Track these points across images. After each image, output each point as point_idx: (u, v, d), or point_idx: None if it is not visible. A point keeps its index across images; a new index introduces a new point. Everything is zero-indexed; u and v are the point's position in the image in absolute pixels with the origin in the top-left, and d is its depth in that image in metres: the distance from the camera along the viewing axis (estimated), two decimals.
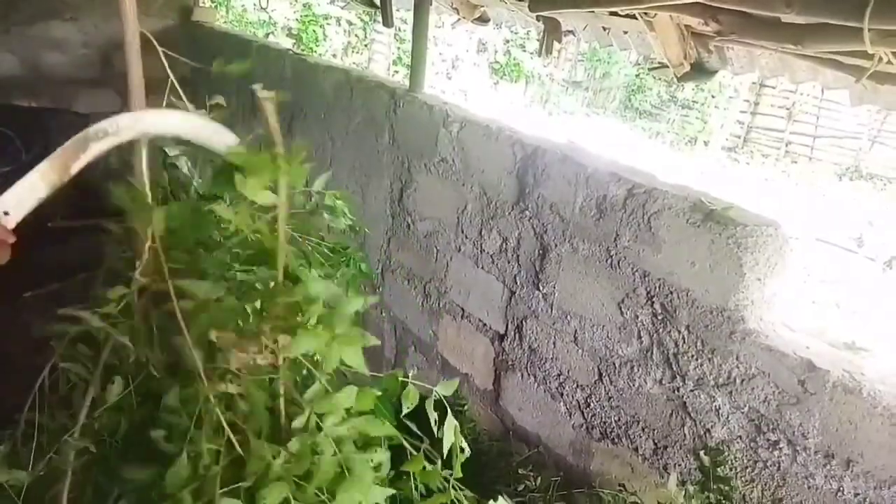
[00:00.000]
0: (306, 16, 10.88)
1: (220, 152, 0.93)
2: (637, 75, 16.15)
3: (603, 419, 2.32)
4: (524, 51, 13.77)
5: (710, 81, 2.65)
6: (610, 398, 2.28)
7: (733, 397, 1.89)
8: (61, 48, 4.48)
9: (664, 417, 2.10)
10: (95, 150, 0.88)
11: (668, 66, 2.46)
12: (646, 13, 2.23)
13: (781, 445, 1.80)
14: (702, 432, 2.00)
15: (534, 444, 2.62)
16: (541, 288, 2.43)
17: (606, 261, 2.18)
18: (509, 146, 2.45)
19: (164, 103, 1.01)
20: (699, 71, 2.47)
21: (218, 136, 0.97)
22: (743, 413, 1.88)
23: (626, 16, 2.43)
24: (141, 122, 0.94)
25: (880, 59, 1.70)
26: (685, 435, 2.06)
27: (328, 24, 11.08)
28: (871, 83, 1.88)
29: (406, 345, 3.26)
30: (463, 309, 2.84)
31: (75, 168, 0.86)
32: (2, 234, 0.85)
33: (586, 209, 2.20)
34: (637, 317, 2.12)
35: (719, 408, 1.93)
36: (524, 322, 2.54)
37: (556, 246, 2.34)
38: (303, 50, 9.92)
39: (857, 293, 6.72)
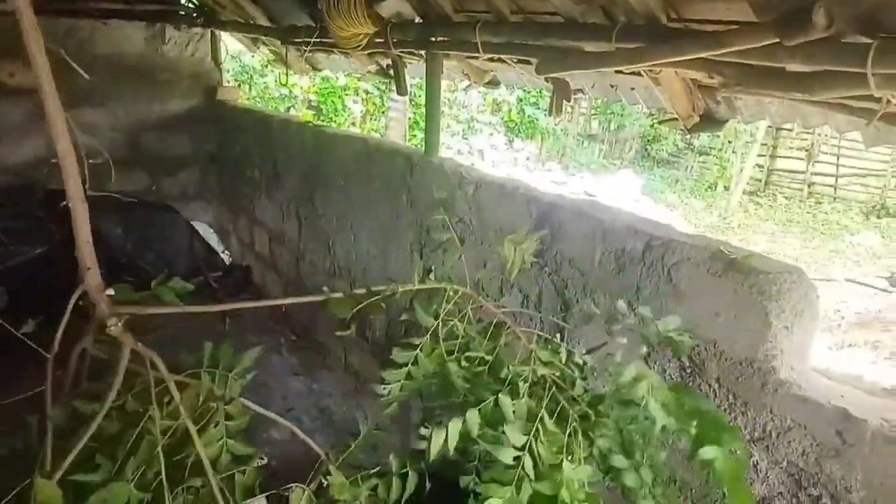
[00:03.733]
0: (325, 88, 11.28)
1: None
2: (651, 125, 16.32)
3: None
4: (538, 108, 14.03)
5: (722, 130, 2.66)
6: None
7: (771, 452, 1.82)
8: (91, 131, 4.69)
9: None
10: None
11: (677, 119, 2.49)
12: (650, 70, 2.27)
13: (824, 501, 1.72)
14: None
15: None
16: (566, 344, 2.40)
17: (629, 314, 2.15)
18: (524, 204, 2.47)
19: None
20: (709, 121, 2.49)
21: None
22: (782, 468, 1.80)
23: (632, 73, 2.48)
24: None
25: (888, 101, 1.70)
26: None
27: (347, 94, 11.46)
28: (883, 125, 1.88)
29: None
30: None
31: None
32: None
33: (605, 263, 2.19)
34: (665, 371, 2.08)
35: (757, 463, 1.86)
36: None
37: (577, 301, 2.33)
38: (322, 121, 10.26)
39: (893, 334, 6.50)
